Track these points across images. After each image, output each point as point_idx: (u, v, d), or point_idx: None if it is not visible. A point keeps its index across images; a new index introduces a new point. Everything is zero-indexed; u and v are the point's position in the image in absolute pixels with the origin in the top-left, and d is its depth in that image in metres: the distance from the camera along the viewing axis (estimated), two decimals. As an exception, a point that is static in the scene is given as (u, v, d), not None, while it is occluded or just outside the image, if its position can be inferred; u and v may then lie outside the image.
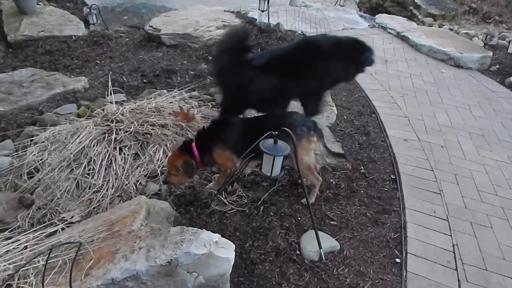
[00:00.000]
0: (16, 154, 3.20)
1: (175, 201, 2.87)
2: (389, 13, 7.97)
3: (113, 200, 2.85)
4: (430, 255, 2.71)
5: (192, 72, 4.91)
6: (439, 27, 7.81)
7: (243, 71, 3.30)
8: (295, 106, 3.68)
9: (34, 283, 1.84)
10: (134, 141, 3.20)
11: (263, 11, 5.88)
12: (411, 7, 8.72)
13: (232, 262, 1.96)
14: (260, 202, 2.92)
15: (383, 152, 3.72)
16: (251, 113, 3.59)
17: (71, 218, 2.63)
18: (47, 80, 4.40)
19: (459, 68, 5.81)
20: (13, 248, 2.06)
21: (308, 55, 3.40)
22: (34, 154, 3.13)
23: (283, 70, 3.30)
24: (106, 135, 3.20)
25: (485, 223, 3.06)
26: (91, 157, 3.05)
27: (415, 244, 2.77)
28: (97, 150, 3.09)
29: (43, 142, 3.26)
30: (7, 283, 1.81)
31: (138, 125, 3.29)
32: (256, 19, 6.35)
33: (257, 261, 2.48)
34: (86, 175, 2.98)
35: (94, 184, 2.93)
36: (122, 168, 3.03)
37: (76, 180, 2.95)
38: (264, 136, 2.34)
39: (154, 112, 3.50)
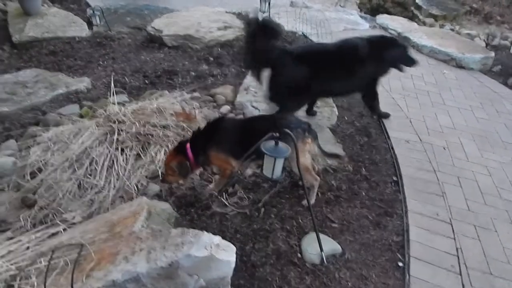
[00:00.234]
0: (20, 154, 3.22)
1: (176, 202, 2.88)
2: (390, 13, 7.94)
3: (115, 201, 2.86)
4: (433, 259, 2.69)
5: (193, 73, 4.91)
6: (441, 27, 7.78)
7: (279, 54, 3.51)
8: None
9: (36, 284, 1.85)
10: (136, 141, 3.21)
11: (264, 12, 5.88)
12: (412, 8, 8.70)
13: (233, 265, 1.96)
14: (261, 203, 2.92)
15: (384, 154, 3.71)
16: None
17: (72, 219, 2.64)
18: (50, 80, 4.43)
19: (461, 69, 5.79)
20: (15, 249, 2.08)
21: (347, 57, 3.60)
22: (37, 154, 3.15)
23: (319, 64, 3.48)
24: (108, 135, 3.22)
25: (489, 227, 3.03)
26: (93, 158, 3.07)
27: (418, 248, 2.75)
28: (99, 151, 3.11)
29: (46, 142, 3.27)
30: (9, 283, 1.82)
31: (139, 125, 3.30)
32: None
33: (258, 264, 2.48)
34: (88, 175, 3.00)
35: (96, 184, 2.94)
36: (124, 168, 3.04)
37: (78, 181, 2.96)
38: (265, 137, 2.34)
39: (155, 112, 3.51)
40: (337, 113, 4.20)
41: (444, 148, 3.89)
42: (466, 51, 5.94)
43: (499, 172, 3.65)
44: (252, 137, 2.57)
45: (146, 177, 3.04)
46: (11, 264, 1.91)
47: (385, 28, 6.92)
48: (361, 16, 7.56)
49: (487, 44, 6.68)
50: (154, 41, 5.77)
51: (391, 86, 4.96)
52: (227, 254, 1.97)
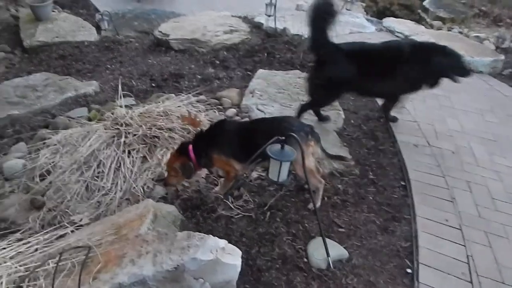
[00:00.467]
0: (29, 157, 3.26)
1: (182, 205, 2.88)
2: (396, 16, 7.91)
3: (121, 203, 2.88)
4: (443, 266, 2.63)
5: (199, 76, 4.94)
6: (448, 30, 7.73)
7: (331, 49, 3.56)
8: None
9: (44, 286, 1.86)
10: (142, 144, 3.24)
11: (269, 16, 5.90)
12: (419, 11, 8.65)
13: (239, 269, 1.96)
14: (266, 207, 2.91)
15: (392, 158, 3.68)
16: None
17: (80, 221, 2.66)
18: (59, 84, 4.48)
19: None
20: (24, 250, 2.10)
21: (393, 59, 3.58)
22: (46, 157, 3.19)
23: (366, 62, 3.51)
24: (115, 138, 3.24)
25: (500, 233, 2.96)
26: (100, 160, 3.10)
27: (427, 254, 2.70)
28: (106, 153, 3.13)
29: (55, 145, 3.31)
30: (18, 285, 1.84)
31: (146, 128, 3.32)
32: (263, 24, 6.39)
33: (264, 268, 2.47)
34: (95, 177, 3.03)
35: (103, 186, 2.97)
36: (130, 171, 3.06)
37: (86, 183, 2.99)
38: (271, 141, 2.34)
39: (162, 115, 3.53)
40: (343, 116, 4.18)
41: (453, 152, 3.84)
42: (475, 54, 5.89)
43: (510, 177, 3.58)
44: (254, 139, 2.60)
45: (152, 179, 3.06)
46: (20, 266, 1.93)
47: (391, 31, 6.90)
48: (367, 19, 7.53)
49: (496, 47, 6.62)
50: (161, 45, 5.82)
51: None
52: (232, 258, 1.97)
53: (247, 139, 2.72)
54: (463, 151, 3.88)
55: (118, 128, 3.29)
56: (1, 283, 1.83)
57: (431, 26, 7.95)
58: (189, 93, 4.18)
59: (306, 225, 2.82)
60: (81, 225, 2.61)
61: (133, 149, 3.17)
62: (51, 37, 5.73)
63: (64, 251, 1.82)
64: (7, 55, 5.51)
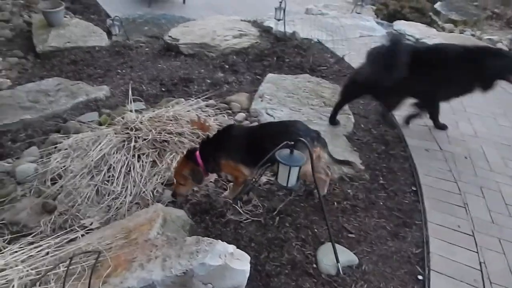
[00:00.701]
0: (41, 161, 3.30)
1: (191, 209, 2.89)
2: (407, 19, 7.85)
3: (131, 207, 2.90)
4: (455, 272, 2.59)
5: (209, 81, 4.96)
6: (460, 33, 7.65)
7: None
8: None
9: (54, 290, 1.88)
10: (152, 149, 3.25)
11: (279, 20, 5.91)
12: (431, 13, 8.58)
13: (247, 274, 1.95)
14: (275, 212, 2.90)
15: (403, 163, 3.64)
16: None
17: (90, 225, 2.68)
18: (71, 89, 4.55)
19: (483, 75, 5.65)
20: (35, 254, 2.12)
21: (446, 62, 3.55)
22: (58, 161, 3.23)
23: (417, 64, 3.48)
24: (126, 142, 3.26)
25: (514, 240, 2.91)
26: (111, 164, 3.12)
27: (438, 261, 2.66)
28: (116, 158, 3.15)
29: (66, 149, 3.35)
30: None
31: (156, 133, 3.34)
32: (272, 28, 6.40)
33: (273, 274, 2.45)
34: (105, 182, 3.05)
35: (113, 191, 2.99)
36: (140, 175, 3.08)
37: (96, 187, 3.02)
38: (280, 146, 2.33)
39: (171, 120, 3.55)
40: (353, 120, 4.16)
41: (465, 157, 3.79)
42: (488, 57, 5.80)
43: (524, 182, 3.52)
44: (262, 144, 2.60)
45: (162, 184, 3.08)
46: (31, 269, 1.95)
47: (402, 34, 6.84)
48: (377, 22, 7.49)
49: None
50: (171, 50, 5.86)
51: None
52: (241, 263, 1.96)
53: (255, 144, 2.72)
54: (476, 155, 3.83)
55: (128, 133, 3.32)
56: (13, 286, 1.85)
57: (443, 29, 7.89)
58: (199, 97, 4.20)
59: (316, 230, 2.81)
60: (92, 229, 2.63)
61: (143, 154, 3.19)
62: (63, 42, 5.82)
63: (75, 256, 1.83)
64: (20, 61, 5.61)
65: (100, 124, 3.83)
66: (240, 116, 4.08)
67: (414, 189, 3.33)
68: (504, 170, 3.64)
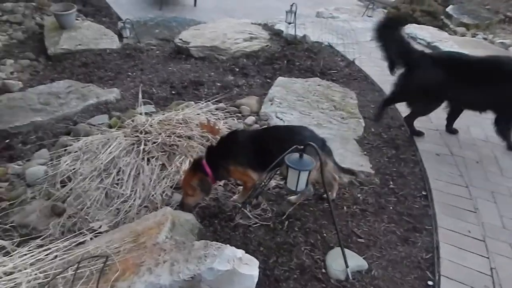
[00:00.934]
0: (51, 163, 3.32)
1: (200, 213, 2.89)
2: (418, 23, 7.77)
3: (140, 211, 2.90)
4: (465, 278, 2.55)
5: (219, 84, 4.97)
6: (473, 36, 7.55)
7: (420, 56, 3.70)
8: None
9: (62, 293, 1.89)
10: (161, 152, 3.26)
11: (290, 23, 5.90)
12: (442, 17, 8.49)
13: (256, 280, 1.94)
14: (284, 216, 2.88)
15: (413, 167, 3.60)
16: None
17: (99, 228, 2.69)
18: (82, 91, 4.58)
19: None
20: (44, 257, 2.13)
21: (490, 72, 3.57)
22: (67, 164, 3.23)
23: (457, 73, 3.56)
24: (135, 145, 3.27)
25: (525, 246, 2.86)
26: (120, 167, 3.12)
27: (448, 266, 2.63)
28: (126, 161, 3.16)
29: (76, 152, 3.36)
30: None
31: (165, 136, 3.35)
32: (283, 31, 6.39)
33: (281, 279, 2.44)
34: (115, 185, 3.05)
35: (122, 194, 2.99)
36: (149, 178, 3.08)
37: (106, 190, 3.02)
38: (289, 150, 2.32)
39: (181, 123, 3.55)
40: (363, 124, 4.13)
41: (476, 162, 3.74)
42: (500, 61, 5.72)
43: (536, 187, 3.47)
44: (269, 149, 2.58)
45: (171, 187, 3.07)
46: (40, 273, 1.95)
47: (413, 38, 6.78)
48: (389, 26, 7.42)
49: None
50: (181, 53, 5.89)
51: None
52: (250, 268, 1.95)
53: (262, 148, 2.72)
54: (487, 160, 3.78)
55: (137, 136, 3.33)
56: (21, 289, 1.87)
57: (455, 33, 7.80)
58: (209, 100, 4.20)
59: (325, 235, 2.78)
60: (100, 232, 2.63)
61: (152, 157, 3.19)
62: (74, 44, 5.87)
63: (83, 260, 1.84)
64: (32, 63, 5.68)
65: (110, 126, 3.85)
66: (250, 119, 4.08)
67: (425, 193, 3.30)
68: (516, 175, 3.59)
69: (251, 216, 2.85)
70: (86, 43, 5.95)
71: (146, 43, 6.31)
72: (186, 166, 3.17)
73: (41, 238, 2.55)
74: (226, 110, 4.14)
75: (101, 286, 1.84)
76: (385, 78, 5.20)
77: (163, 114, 3.73)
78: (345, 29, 6.12)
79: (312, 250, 2.66)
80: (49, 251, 2.15)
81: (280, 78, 4.94)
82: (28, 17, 6.87)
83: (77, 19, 6.69)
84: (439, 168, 3.58)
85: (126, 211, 2.88)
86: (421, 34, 6.77)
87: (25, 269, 1.98)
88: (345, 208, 3.03)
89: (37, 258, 2.09)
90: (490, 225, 3.00)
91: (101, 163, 3.13)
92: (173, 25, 7.16)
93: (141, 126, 3.42)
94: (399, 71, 3.80)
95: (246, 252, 2.04)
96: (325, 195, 2.94)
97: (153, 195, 2.97)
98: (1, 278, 1.91)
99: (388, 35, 3.73)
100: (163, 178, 3.10)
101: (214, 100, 4.25)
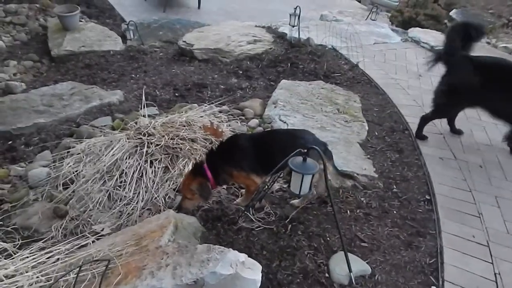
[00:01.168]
0: (54, 165, 3.32)
1: (203, 216, 2.88)
2: (422, 27, 7.77)
3: (143, 213, 2.89)
4: (469, 283, 2.54)
5: (222, 86, 4.96)
6: (476, 40, 7.54)
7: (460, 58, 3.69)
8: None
9: (64, 296, 1.88)
10: (165, 154, 3.25)
11: (293, 26, 5.90)
12: (446, 21, 8.48)
13: (259, 284, 1.92)
14: (288, 220, 2.87)
15: (417, 171, 3.58)
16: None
17: (101, 231, 2.68)
18: (85, 93, 4.58)
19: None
20: (46, 260, 2.12)
21: None
22: (70, 165, 3.23)
23: (493, 78, 3.54)
24: (138, 148, 3.26)
25: (529, 251, 2.84)
26: (123, 170, 3.12)
27: (452, 271, 2.62)
28: (129, 163, 3.15)
29: (79, 153, 3.36)
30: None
31: (168, 138, 3.34)
32: (286, 34, 6.38)
33: (284, 283, 2.42)
34: (117, 187, 3.05)
35: (125, 196, 2.98)
36: (152, 181, 3.07)
37: (108, 192, 3.01)
38: (292, 154, 2.31)
39: (184, 126, 3.55)
40: (367, 127, 4.11)
41: (480, 166, 3.72)
42: (504, 65, 5.70)
43: (540, 192, 3.44)
44: (272, 153, 2.59)
45: (174, 190, 3.07)
46: (42, 275, 1.94)
47: (417, 42, 6.77)
48: (392, 29, 7.42)
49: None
50: (185, 55, 5.89)
51: (424, 101, 4.82)
52: (252, 272, 1.93)
53: (264, 152, 2.72)
54: (491, 164, 3.76)
55: (141, 138, 3.32)
56: (23, 292, 1.86)
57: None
58: (212, 103, 4.20)
59: (328, 238, 2.77)
60: (103, 235, 2.62)
61: (155, 159, 3.18)
62: (77, 46, 5.88)
63: (84, 263, 1.83)
64: (35, 64, 5.69)
65: (113, 128, 3.85)
66: (253, 122, 4.07)
67: (428, 198, 3.28)
68: (520, 180, 3.57)
69: (254, 220, 2.84)
70: (89, 45, 5.95)
71: (150, 45, 6.31)
72: (189, 168, 3.16)
73: (43, 240, 2.54)
74: (230, 113, 4.14)
75: (103, 290, 1.83)
76: (388, 82, 5.21)
77: (167, 117, 3.72)
78: (348, 32, 6.11)
79: (315, 254, 2.64)
80: (51, 254, 2.14)
81: (283, 81, 4.93)
82: (32, 18, 6.90)
83: (80, 21, 6.72)
84: (442, 172, 3.57)
85: (128, 213, 2.87)
86: (425, 38, 6.76)
87: (27, 272, 1.96)
88: (348, 212, 3.02)
89: (39, 261, 2.07)
90: (494, 230, 2.99)
91: (104, 165, 3.13)
92: (177, 27, 7.16)
93: (144, 128, 3.41)
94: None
95: (249, 256, 2.02)
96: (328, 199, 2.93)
97: (156, 198, 2.97)
98: (2, 281, 1.90)
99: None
100: (166, 181, 3.10)
101: (217, 103, 4.24)
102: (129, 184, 3.04)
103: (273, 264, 2.53)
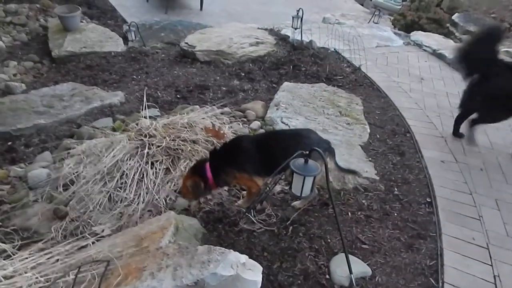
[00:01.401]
0: (54, 166, 3.31)
1: (204, 217, 2.87)
2: (424, 30, 7.79)
3: (143, 215, 2.88)
4: (469, 285, 2.54)
5: (224, 88, 4.96)
6: (478, 44, 7.54)
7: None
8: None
9: (63, 297, 1.87)
10: (166, 156, 3.24)
11: (296, 28, 5.90)
12: (448, 25, 8.50)
13: (259, 285, 1.91)
14: (289, 221, 2.86)
15: (418, 174, 3.58)
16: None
17: (102, 232, 2.67)
18: (86, 94, 4.57)
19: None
20: (45, 261, 2.11)
21: None
22: (70, 167, 3.22)
23: None
24: (139, 149, 3.25)
25: (529, 254, 2.84)
26: (124, 171, 3.11)
27: (452, 273, 2.62)
28: (130, 164, 3.14)
29: (79, 154, 3.35)
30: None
31: (170, 140, 3.33)
32: (289, 37, 6.39)
33: (285, 284, 2.42)
34: (118, 188, 3.03)
35: (126, 197, 2.97)
36: (153, 182, 3.06)
37: (109, 194, 3.00)
38: (294, 155, 2.30)
39: (186, 127, 3.54)
40: (368, 130, 4.11)
41: (481, 169, 3.72)
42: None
43: (541, 195, 3.44)
44: (274, 154, 2.58)
45: (175, 191, 3.06)
46: (41, 276, 1.93)
47: (419, 45, 6.78)
48: (394, 33, 7.43)
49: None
50: (187, 56, 5.89)
51: (426, 104, 4.82)
52: (253, 273, 1.92)
53: (267, 153, 2.71)
54: (492, 167, 3.77)
55: (142, 139, 3.31)
56: (21, 294, 1.84)
57: (460, 40, 7.78)
58: (214, 105, 4.20)
59: (329, 240, 2.77)
60: (103, 236, 2.61)
61: (157, 161, 3.18)
62: (79, 47, 5.87)
63: (83, 264, 1.82)
64: (35, 65, 5.68)
65: (114, 130, 3.84)
66: (255, 124, 4.06)
67: (429, 200, 3.28)
68: (520, 183, 3.56)
69: (255, 221, 2.83)
70: (90, 46, 5.95)
71: (152, 47, 6.31)
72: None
73: (43, 241, 2.53)
74: (232, 115, 4.13)
75: (103, 291, 1.82)
76: (390, 85, 5.21)
77: (168, 118, 3.72)
78: (351, 35, 6.11)
79: (316, 255, 2.64)
80: (50, 255, 2.13)
81: (286, 83, 4.92)
82: (32, 18, 6.88)
83: (81, 22, 6.70)
84: (444, 175, 3.57)
85: (129, 215, 2.86)
86: (427, 42, 6.77)
87: (26, 272, 1.95)
88: (349, 214, 3.01)
89: (38, 261, 2.06)
90: (494, 233, 3.00)
91: (105, 167, 3.11)
92: (179, 28, 7.15)
93: (146, 130, 3.40)
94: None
95: (250, 257, 2.01)
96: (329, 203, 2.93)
97: (156, 199, 2.96)
98: (1, 281, 1.89)
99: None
100: (167, 182, 3.09)
101: (219, 105, 4.24)
102: (129, 185, 3.02)
103: (274, 266, 2.53)
